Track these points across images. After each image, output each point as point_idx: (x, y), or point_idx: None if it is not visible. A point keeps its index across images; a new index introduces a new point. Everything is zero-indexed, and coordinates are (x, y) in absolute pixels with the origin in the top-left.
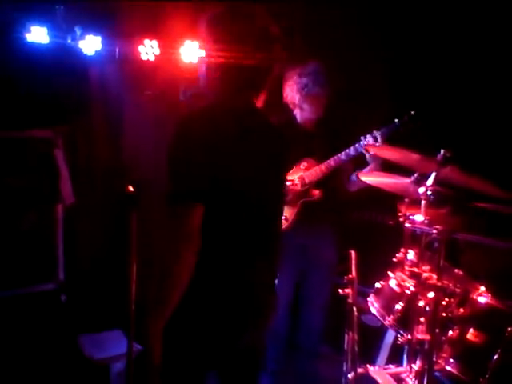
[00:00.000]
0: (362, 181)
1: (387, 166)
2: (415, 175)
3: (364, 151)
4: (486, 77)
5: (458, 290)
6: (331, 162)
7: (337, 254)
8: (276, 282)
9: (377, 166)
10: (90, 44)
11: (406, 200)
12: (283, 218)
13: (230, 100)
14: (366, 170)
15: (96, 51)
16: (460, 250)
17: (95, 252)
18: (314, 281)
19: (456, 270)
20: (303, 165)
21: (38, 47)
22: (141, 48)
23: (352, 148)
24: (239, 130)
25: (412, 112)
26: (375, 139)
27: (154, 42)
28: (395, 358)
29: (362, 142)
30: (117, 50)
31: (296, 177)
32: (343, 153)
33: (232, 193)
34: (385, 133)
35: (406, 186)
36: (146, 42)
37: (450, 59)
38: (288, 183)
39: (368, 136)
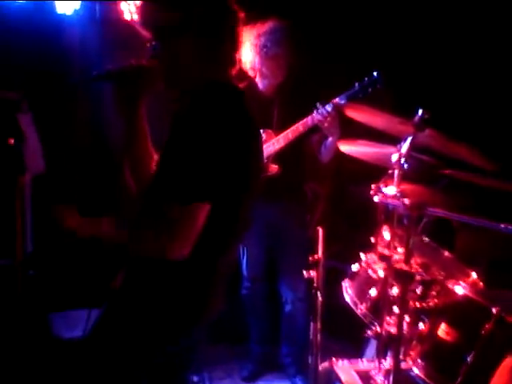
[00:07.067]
0: (331, 150)
1: (373, 134)
2: (402, 143)
3: (322, 120)
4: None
5: (439, 278)
6: (289, 133)
7: (306, 234)
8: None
9: (335, 137)
10: (68, 3)
11: (390, 172)
12: None
13: None
14: (328, 142)
15: (75, 10)
16: (454, 230)
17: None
18: (285, 268)
19: (445, 253)
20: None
21: (10, 6)
22: (123, 6)
23: (309, 118)
24: None
25: (375, 73)
26: (334, 106)
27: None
28: None
29: (319, 111)
30: (97, 8)
31: None
32: (300, 123)
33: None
34: (344, 99)
35: (389, 155)
36: None
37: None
38: None
39: (327, 104)
